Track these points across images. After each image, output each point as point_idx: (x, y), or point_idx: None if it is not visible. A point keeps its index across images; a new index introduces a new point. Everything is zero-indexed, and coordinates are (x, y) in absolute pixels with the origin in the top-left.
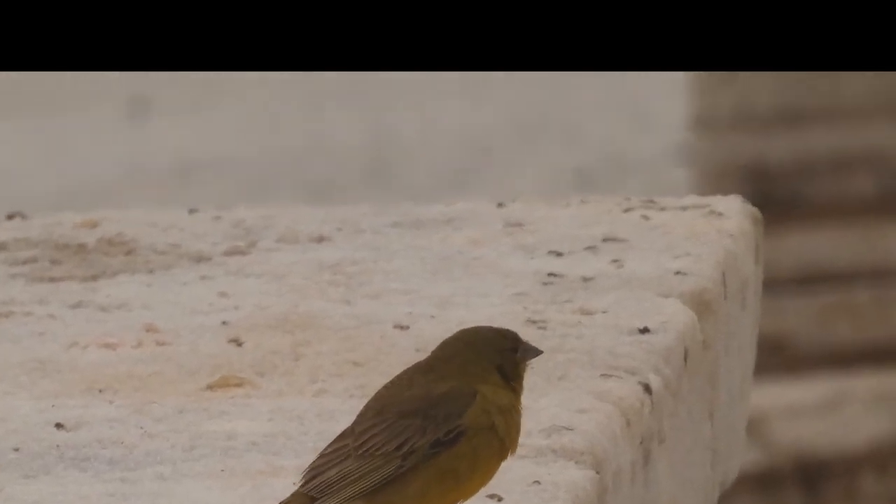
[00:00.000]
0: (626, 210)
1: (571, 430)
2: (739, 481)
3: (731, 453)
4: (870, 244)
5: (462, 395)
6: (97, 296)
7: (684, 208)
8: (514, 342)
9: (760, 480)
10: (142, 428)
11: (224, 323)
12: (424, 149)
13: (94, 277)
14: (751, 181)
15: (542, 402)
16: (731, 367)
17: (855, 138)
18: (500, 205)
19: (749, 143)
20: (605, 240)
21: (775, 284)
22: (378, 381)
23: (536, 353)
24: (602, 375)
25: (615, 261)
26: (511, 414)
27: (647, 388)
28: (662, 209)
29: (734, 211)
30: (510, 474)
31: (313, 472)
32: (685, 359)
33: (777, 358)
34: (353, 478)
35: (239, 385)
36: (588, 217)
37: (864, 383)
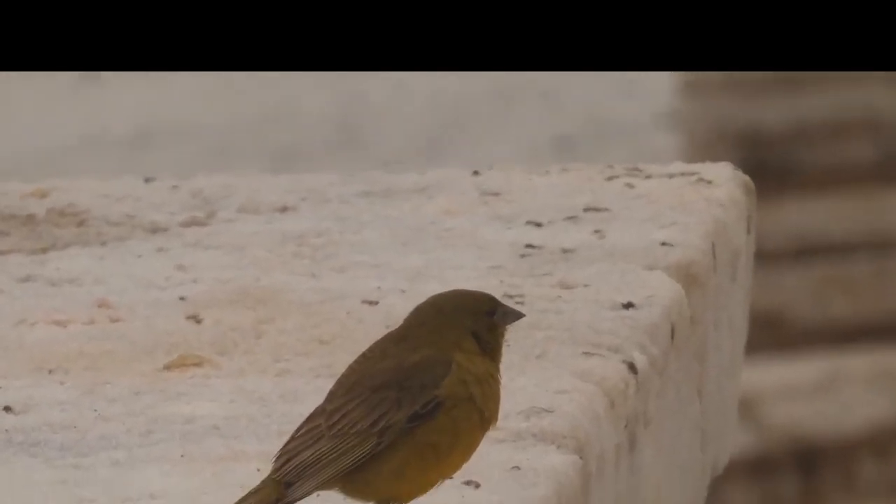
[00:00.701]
0: (609, 178)
1: (551, 412)
2: (732, 466)
3: (723, 436)
4: (869, 214)
5: (437, 364)
6: (46, 269)
7: (671, 176)
8: (491, 305)
9: (754, 465)
10: (95, 410)
11: (181, 298)
12: (395, 115)
13: (44, 250)
14: (743, 148)
15: (519, 381)
16: (721, 344)
17: (852, 102)
18: (475, 173)
19: (741, 108)
20: (586, 209)
21: (769, 256)
22: (345, 359)
23: (517, 316)
24: (583, 353)
25: (597, 231)
26: (489, 383)
27: (632, 367)
28: (648, 177)
29: (724, 179)
30: (487, 459)
31: (286, 456)
32: (672, 335)
33: (770, 334)
34: (327, 459)
35: (198, 364)
36: (569, 186)
37: (862, 361)
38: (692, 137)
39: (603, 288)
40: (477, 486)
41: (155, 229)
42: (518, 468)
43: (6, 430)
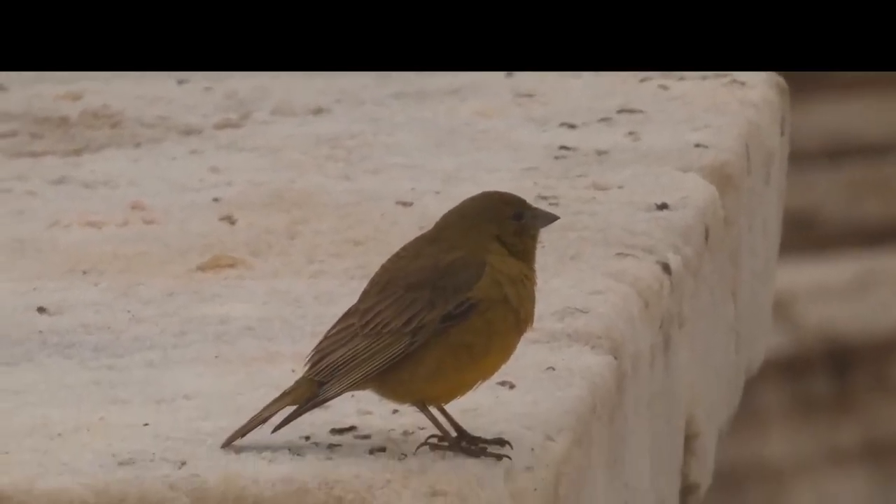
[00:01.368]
0: (643, 80)
1: (586, 312)
2: (765, 367)
3: (757, 337)
4: None
5: (471, 265)
6: (80, 171)
7: (704, 78)
8: (518, 208)
9: (787, 366)
10: (129, 312)
11: (215, 200)
12: None
13: (77, 152)
14: None
15: (553, 282)
16: (755, 246)
17: None
18: (508, 74)
19: None
20: (620, 111)
21: (801, 157)
22: (379, 260)
23: (549, 218)
24: (617, 254)
25: (631, 133)
26: (523, 283)
27: (666, 268)
28: (681, 79)
29: (758, 80)
30: (522, 360)
31: (318, 355)
32: (706, 236)
33: (804, 235)
34: (360, 359)
35: (232, 266)
36: (602, 87)
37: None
38: None
39: (637, 189)
40: (512, 386)
41: (189, 131)
42: (553, 369)
43: (40, 332)
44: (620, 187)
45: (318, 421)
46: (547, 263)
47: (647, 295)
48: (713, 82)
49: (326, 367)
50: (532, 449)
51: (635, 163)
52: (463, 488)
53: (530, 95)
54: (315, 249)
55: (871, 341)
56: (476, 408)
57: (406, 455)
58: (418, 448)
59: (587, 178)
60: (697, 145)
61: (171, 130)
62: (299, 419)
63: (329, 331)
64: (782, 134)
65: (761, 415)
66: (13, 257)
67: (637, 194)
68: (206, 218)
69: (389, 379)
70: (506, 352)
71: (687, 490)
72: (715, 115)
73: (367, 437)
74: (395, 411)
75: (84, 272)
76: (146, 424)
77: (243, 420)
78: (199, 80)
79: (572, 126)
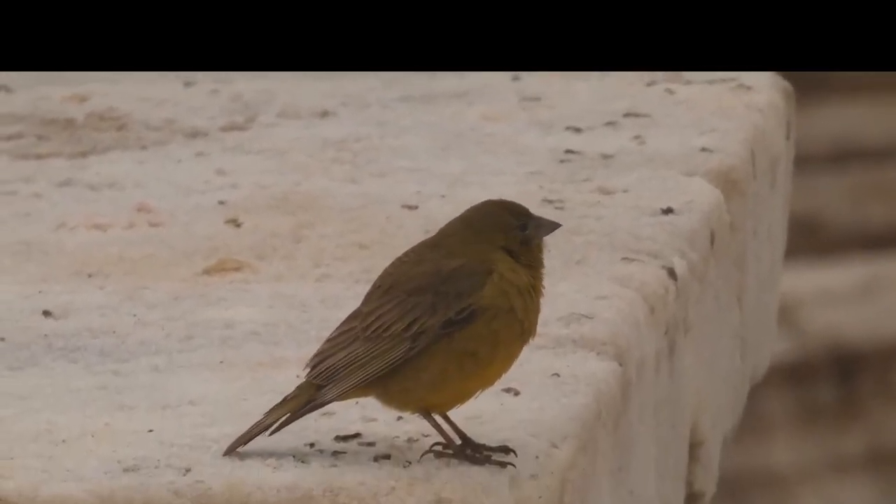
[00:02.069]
0: (649, 84)
1: (591, 318)
2: (770, 373)
3: (762, 342)
4: None
5: (475, 273)
6: (86, 174)
7: (711, 82)
8: (523, 219)
9: (792, 372)
10: (134, 315)
11: (221, 202)
12: None
13: (84, 154)
14: None
15: (559, 287)
16: (761, 251)
17: None
18: (515, 78)
19: None
20: (626, 115)
21: (806, 161)
22: (385, 264)
23: (552, 227)
24: (623, 259)
25: (637, 137)
26: (531, 294)
27: (672, 273)
28: (687, 83)
29: (764, 84)
30: (527, 366)
31: (318, 358)
32: (711, 241)
33: (810, 240)
34: (360, 362)
35: (237, 269)
36: (608, 91)
37: None
38: None
39: (642, 193)
40: (516, 393)
41: (195, 133)
42: (558, 375)
43: (45, 335)
44: (626, 191)
45: (322, 428)
46: (553, 268)
47: (653, 300)
48: (719, 87)
49: (325, 370)
50: (537, 456)
51: (641, 167)
52: (468, 496)
53: (536, 99)
54: (321, 253)
55: (877, 347)
56: (480, 415)
57: (411, 462)
58: (423, 455)
59: (593, 182)
60: (703, 149)
61: (177, 133)
62: (304, 426)
63: (332, 334)
64: (788, 138)
65: (766, 422)
66: (19, 260)
67: (642, 198)
68: (212, 221)
69: (393, 387)
70: (509, 361)
71: (692, 498)
72: (721, 119)
73: (371, 444)
74: (400, 418)
75: (90, 275)
76: (151, 430)
77: (248, 426)
78: (206, 83)
79: (578, 130)
